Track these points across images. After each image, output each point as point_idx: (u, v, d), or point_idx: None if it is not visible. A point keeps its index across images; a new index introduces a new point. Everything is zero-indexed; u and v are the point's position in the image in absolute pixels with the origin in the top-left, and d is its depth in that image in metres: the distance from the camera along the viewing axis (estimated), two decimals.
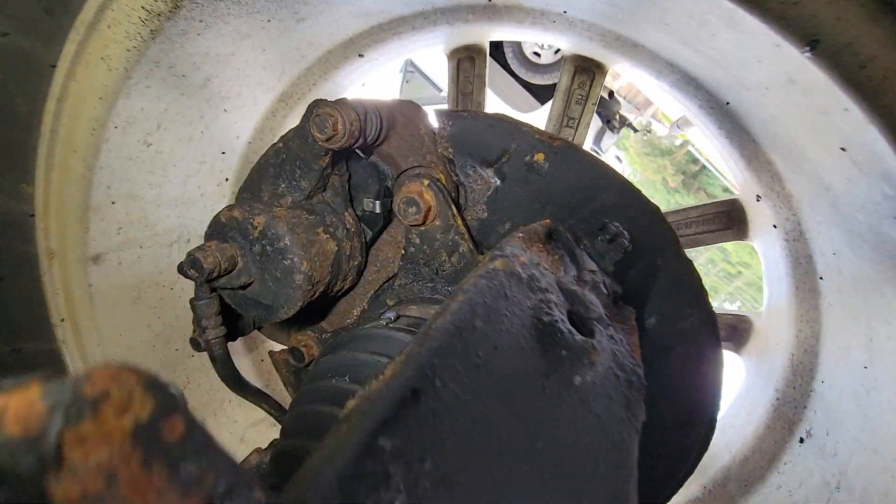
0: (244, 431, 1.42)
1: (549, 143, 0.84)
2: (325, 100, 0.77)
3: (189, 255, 0.80)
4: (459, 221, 0.90)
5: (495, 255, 0.52)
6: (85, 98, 0.80)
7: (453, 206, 0.89)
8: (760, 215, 0.92)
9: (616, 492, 0.44)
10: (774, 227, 0.88)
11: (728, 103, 0.76)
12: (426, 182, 0.89)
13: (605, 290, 0.60)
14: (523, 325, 0.47)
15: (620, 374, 0.51)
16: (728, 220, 1.10)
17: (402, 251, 0.96)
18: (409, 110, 0.93)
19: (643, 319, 0.81)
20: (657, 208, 0.81)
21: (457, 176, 0.94)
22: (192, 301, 0.89)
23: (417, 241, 0.94)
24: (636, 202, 0.82)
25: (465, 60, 1.24)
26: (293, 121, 1.23)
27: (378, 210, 0.97)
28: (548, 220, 0.76)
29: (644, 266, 0.81)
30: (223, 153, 1.15)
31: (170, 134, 0.97)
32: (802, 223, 0.82)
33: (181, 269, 0.95)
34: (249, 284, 0.88)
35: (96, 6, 0.71)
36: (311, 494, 0.29)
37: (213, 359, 0.94)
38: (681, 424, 0.85)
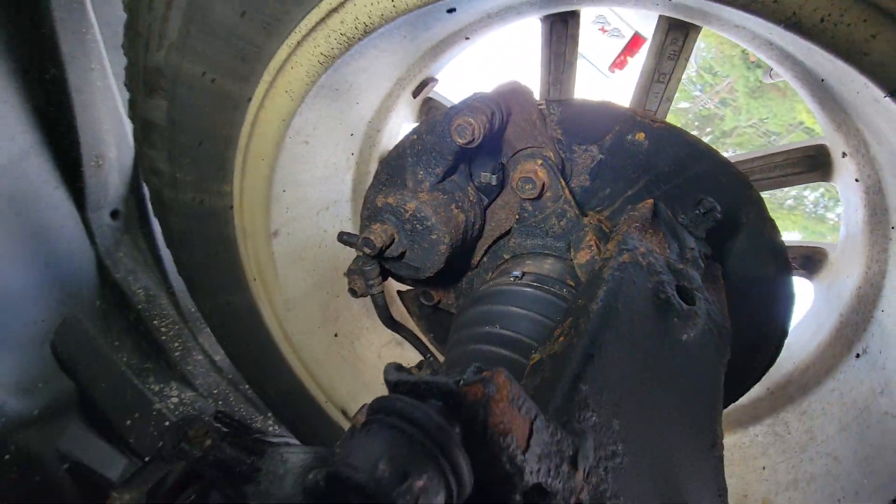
0: (379, 350, 1.81)
1: (650, 124, 0.97)
2: (464, 110, 0.94)
3: (363, 238, 1.06)
4: (567, 192, 1.08)
5: (622, 250, 0.72)
6: (271, 121, 1.03)
7: (562, 180, 1.07)
8: (845, 167, 1.03)
9: (711, 405, 0.68)
10: (857, 180, 0.99)
11: (823, 80, 0.85)
12: (539, 161, 1.06)
13: (701, 263, 0.79)
14: (646, 301, 0.69)
15: (713, 327, 0.73)
16: (813, 164, 1.19)
17: (517, 216, 1.17)
18: (523, 98, 1.08)
19: (727, 268, 0.99)
20: (745, 175, 0.95)
21: (564, 153, 1.10)
22: (360, 267, 1.17)
23: (530, 208, 1.14)
24: (726, 171, 0.95)
25: (558, 22, 1.31)
26: (406, 99, 1.40)
27: (494, 183, 1.17)
28: (651, 201, 0.93)
29: (731, 225, 0.97)
30: (351, 135, 1.36)
31: (320, 131, 1.19)
32: (882, 181, 0.93)
33: (350, 241, 1.23)
34: (404, 253, 1.14)
35: (285, 54, 0.90)
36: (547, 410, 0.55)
37: (376, 306, 1.25)
38: (753, 348, 1.06)
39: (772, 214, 0.97)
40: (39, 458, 1.62)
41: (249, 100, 0.99)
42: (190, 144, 1.11)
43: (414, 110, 1.58)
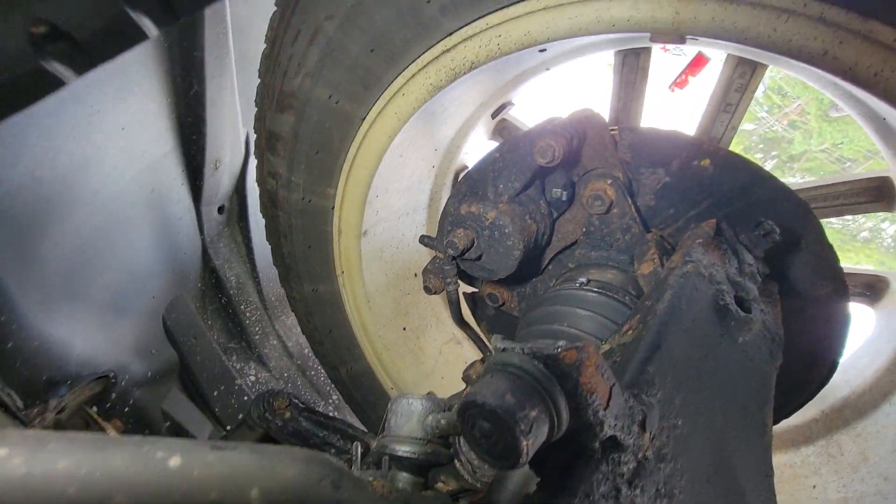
0: (441, 346, 1.97)
1: (716, 151, 1.08)
2: (546, 132, 1.09)
3: (447, 241, 1.23)
4: (633, 209, 1.20)
5: (686, 261, 0.84)
6: (378, 138, 1.22)
7: (629, 198, 1.19)
8: None
9: (762, 398, 0.78)
10: None
11: (885, 119, 0.93)
12: (609, 181, 1.19)
13: (758, 278, 0.89)
14: (707, 306, 0.80)
15: (767, 334, 0.83)
16: (877, 194, 1.25)
17: (584, 228, 1.30)
18: (597, 124, 1.21)
19: (783, 287, 1.07)
20: (805, 202, 1.03)
21: (632, 174, 1.22)
22: (439, 266, 1.34)
23: (597, 223, 1.26)
24: (787, 196, 1.04)
25: (631, 55, 1.44)
26: (484, 120, 1.57)
27: (564, 199, 1.30)
28: (713, 220, 1.03)
29: (789, 247, 1.05)
30: (435, 150, 1.54)
31: (412, 147, 1.37)
32: None
33: (431, 244, 1.40)
34: (480, 256, 1.30)
35: (400, 84, 1.09)
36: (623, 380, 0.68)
37: (451, 303, 1.41)
38: (807, 365, 1.12)
39: (845, 246, 1.04)
40: (149, 414, 1.89)
41: (363, 119, 1.18)
42: (308, 153, 1.32)
43: (489, 129, 1.75)
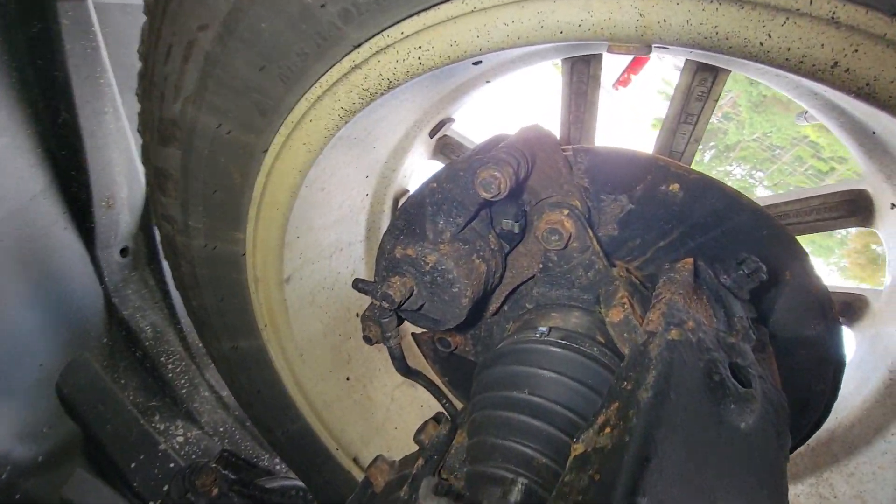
0: (392, 392, 1.75)
1: (685, 174, 0.92)
2: (490, 162, 0.90)
3: (381, 293, 1.01)
4: (595, 243, 1.03)
5: (668, 323, 0.67)
6: (286, 172, 0.99)
7: (590, 231, 1.02)
8: (893, 219, 0.97)
9: (776, 499, 0.62)
10: None
11: (874, 133, 0.80)
12: (565, 211, 1.02)
13: (752, 335, 0.73)
14: (698, 384, 0.63)
15: (771, 409, 0.67)
16: (853, 208, 1.14)
17: (540, 265, 1.12)
18: (548, 145, 1.03)
19: (770, 326, 0.93)
20: (787, 230, 0.89)
21: (591, 202, 1.05)
22: (377, 319, 1.12)
23: (555, 258, 1.08)
24: (768, 224, 0.90)
25: (580, 62, 1.28)
26: (422, 139, 1.36)
27: (516, 231, 1.11)
28: (691, 261, 0.87)
29: (774, 281, 0.91)
30: (366, 177, 1.32)
31: (336, 178, 1.15)
32: None
33: (366, 290, 1.18)
34: (422, 306, 1.09)
35: (304, 108, 0.87)
36: None
37: (393, 358, 1.20)
38: (799, 408, 0.99)
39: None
40: None
41: (265, 151, 0.95)
42: (203, 193, 1.07)
43: (429, 149, 1.55)
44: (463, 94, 1.17)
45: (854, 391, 1.18)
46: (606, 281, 1.04)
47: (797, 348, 0.94)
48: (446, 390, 1.61)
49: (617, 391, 0.64)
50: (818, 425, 1.02)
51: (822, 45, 0.49)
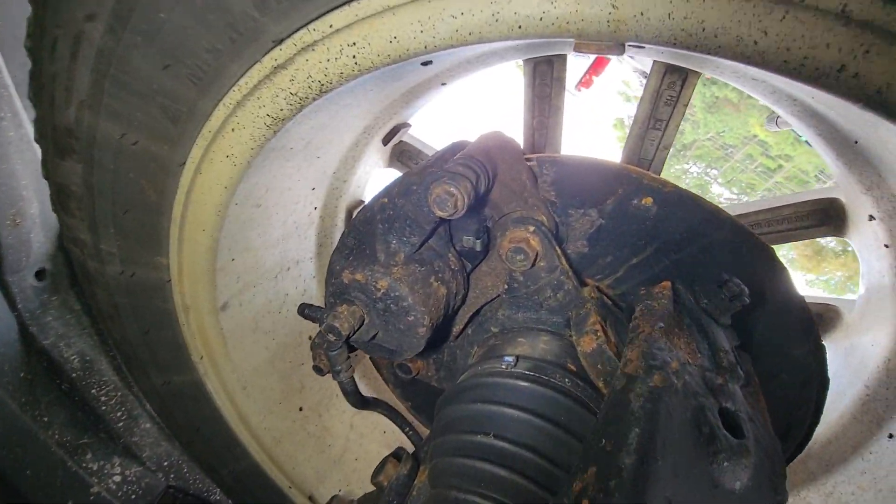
0: (351, 419, 1.62)
1: (659, 188, 0.84)
2: (444, 177, 0.79)
3: (327, 324, 0.89)
4: (564, 262, 0.94)
5: (650, 367, 0.58)
6: (211, 188, 0.85)
7: (558, 249, 0.93)
8: (870, 230, 0.92)
9: None
10: (887, 246, 0.89)
11: (857, 142, 0.74)
12: (531, 228, 0.92)
13: (741, 372, 0.65)
14: (688, 442, 0.54)
15: (766, 459, 0.59)
16: (824, 217, 1.09)
17: (506, 285, 1.02)
18: (510, 154, 0.93)
19: (752, 349, 0.86)
20: (767, 246, 0.83)
21: (559, 217, 0.96)
22: (325, 351, 0.99)
23: (521, 279, 0.99)
24: (746, 239, 0.83)
25: (543, 63, 1.19)
26: (372, 146, 1.24)
27: (478, 248, 1.01)
28: (668, 284, 0.79)
29: (755, 301, 0.84)
30: (313, 189, 1.19)
31: (274, 192, 1.01)
32: None
33: (313, 317, 1.05)
34: (376, 335, 0.97)
35: (223, 116, 0.73)
36: None
37: (345, 392, 1.07)
38: (781, 434, 0.93)
39: None
40: None
41: (182, 165, 0.81)
42: (113, 213, 0.92)
43: (385, 156, 1.42)
44: (416, 97, 1.06)
45: (829, 406, 1.14)
46: (577, 302, 0.95)
47: (779, 371, 0.87)
48: (410, 416, 1.49)
49: (595, 452, 0.54)
50: (801, 448, 0.97)
51: (828, 44, 0.41)
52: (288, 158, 0.93)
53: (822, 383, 0.85)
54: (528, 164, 0.96)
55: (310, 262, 1.40)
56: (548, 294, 0.98)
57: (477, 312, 1.13)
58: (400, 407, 1.50)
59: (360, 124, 1.05)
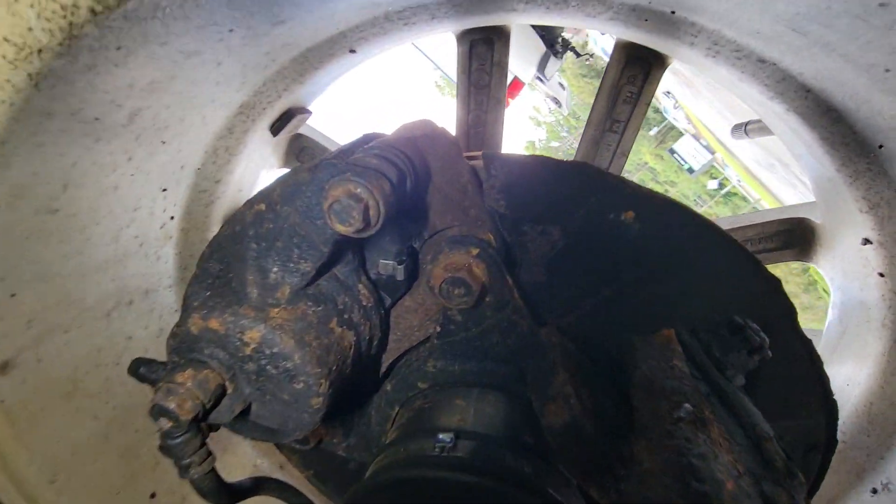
0: (255, 460, 1.23)
1: (645, 200, 0.63)
2: (348, 172, 0.50)
3: (158, 406, 0.55)
4: (517, 296, 0.69)
5: (701, 499, 0.34)
6: None
7: (509, 278, 0.68)
8: (857, 257, 0.79)
9: None
10: (881, 275, 0.75)
11: (882, 147, 0.58)
12: (475, 251, 0.66)
13: (798, 473, 0.44)
14: None
15: None
16: (790, 238, 0.97)
17: (438, 327, 0.75)
18: (444, 148, 0.67)
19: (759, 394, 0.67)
20: (775, 278, 0.65)
21: (509, 232, 0.71)
22: (163, 441, 0.64)
23: (460, 318, 0.72)
24: (753, 268, 0.64)
25: (480, 43, 0.95)
26: (257, 135, 0.91)
27: (401, 277, 0.73)
28: (671, 334, 0.57)
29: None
30: (164, 190, 0.83)
31: (84, 191, 0.65)
32: None
33: (149, 379, 0.70)
34: (249, 408, 0.65)
35: None
36: None
37: (203, 494, 0.71)
38: None
39: None
40: None
41: None
42: None
43: (279, 151, 1.10)
44: (315, 68, 0.76)
45: None
46: (534, 350, 0.71)
47: (780, 434, 0.69)
48: (312, 484, 1.15)
49: None
50: (812, 492, 0.80)
51: None
52: (98, 137, 0.59)
53: (830, 446, 0.69)
54: (471, 162, 0.70)
55: (168, 292, 1.02)
56: (495, 339, 0.73)
57: (400, 358, 0.85)
58: (299, 477, 1.15)
59: (229, 98, 0.73)
